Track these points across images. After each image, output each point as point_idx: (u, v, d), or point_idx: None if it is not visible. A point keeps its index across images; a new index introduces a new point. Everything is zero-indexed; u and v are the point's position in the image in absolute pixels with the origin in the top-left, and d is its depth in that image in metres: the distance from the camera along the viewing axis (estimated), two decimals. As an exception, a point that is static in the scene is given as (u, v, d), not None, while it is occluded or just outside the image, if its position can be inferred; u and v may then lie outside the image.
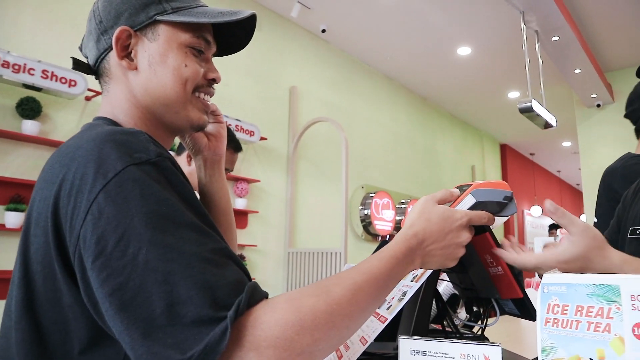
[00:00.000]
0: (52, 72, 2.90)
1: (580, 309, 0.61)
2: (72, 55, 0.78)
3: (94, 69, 0.78)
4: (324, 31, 5.04)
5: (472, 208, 0.87)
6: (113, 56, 0.73)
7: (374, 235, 5.66)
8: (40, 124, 2.94)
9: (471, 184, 0.86)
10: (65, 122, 3.13)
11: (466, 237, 0.75)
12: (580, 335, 0.60)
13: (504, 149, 9.51)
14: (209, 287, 0.51)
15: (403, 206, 6.35)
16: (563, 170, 11.88)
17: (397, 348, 0.80)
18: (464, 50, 5.54)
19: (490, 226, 1.40)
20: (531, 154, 10.44)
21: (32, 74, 2.81)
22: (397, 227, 5.88)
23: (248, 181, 4.23)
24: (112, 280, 0.51)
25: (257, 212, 4.30)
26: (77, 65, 0.78)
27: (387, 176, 6.15)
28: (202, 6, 0.79)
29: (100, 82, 0.78)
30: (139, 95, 0.74)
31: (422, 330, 1.06)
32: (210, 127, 0.99)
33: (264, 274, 4.33)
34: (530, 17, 4.02)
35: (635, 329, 0.55)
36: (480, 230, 1.02)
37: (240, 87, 4.39)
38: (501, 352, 0.70)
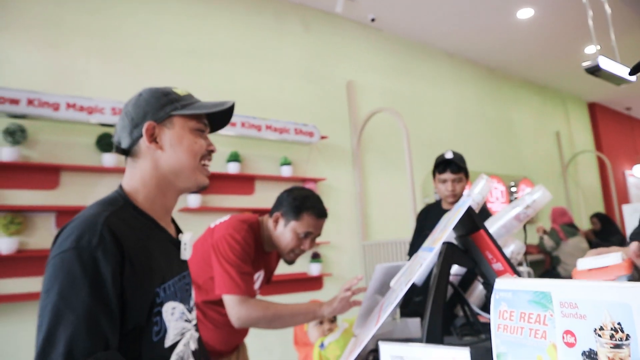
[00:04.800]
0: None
1: (523, 315, 0.61)
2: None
3: (126, 151, 1.05)
4: (373, 20, 5.00)
5: None
6: (143, 141, 1.03)
7: (452, 218, 5.55)
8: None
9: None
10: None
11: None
12: (524, 341, 0.60)
13: (593, 109, 8.75)
14: None
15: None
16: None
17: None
18: (526, 13, 5.20)
19: (527, 216, 1.37)
20: (627, 109, 9.50)
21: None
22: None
23: (315, 181, 4.33)
24: None
25: (327, 209, 4.39)
26: (117, 150, 1.08)
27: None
28: (198, 101, 1.10)
29: (127, 159, 1.07)
30: (162, 167, 1.04)
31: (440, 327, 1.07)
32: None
33: (340, 268, 4.42)
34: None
35: (565, 336, 0.54)
36: (475, 228, 1.02)
37: (296, 90, 4.50)
38: (469, 354, 0.72)
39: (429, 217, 2.68)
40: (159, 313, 0.96)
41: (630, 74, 0.92)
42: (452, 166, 2.46)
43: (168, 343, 0.97)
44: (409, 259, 2.59)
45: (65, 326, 0.79)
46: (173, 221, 1.16)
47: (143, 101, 1.05)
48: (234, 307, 1.59)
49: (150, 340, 0.93)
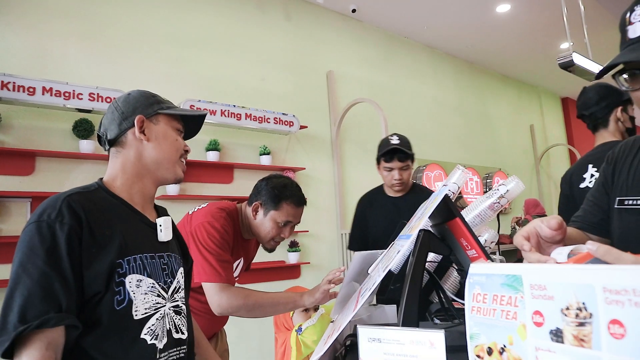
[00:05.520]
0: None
1: (495, 297, 0.64)
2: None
3: (110, 141, 1.17)
4: (354, 11, 5.00)
5: None
6: (131, 132, 1.15)
7: (428, 209, 5.66)
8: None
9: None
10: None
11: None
12: (496, 322, 0.63)
13: (566, 103, 8.95)
14: None
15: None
16: (637, 117, 10.97)
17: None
18: (504, 7, 5.28)
19: (500, 206, 1.41)
20: (599, 104, 9.75)
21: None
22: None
23: (294, 170, 4.35)
24: None
25: (306, 198, 4.41)
26: (101, 141, 1.20)
27: (439, 148, 6.03)
28: (177, 107, 1.26)
29: (110, 150, 1.18)
30: (145, 157, 1.16)
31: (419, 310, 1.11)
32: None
33: (318, 257, 4.46)
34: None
35: (534, 316, 0.58)
36: (451, 216, 1.05)
37: (277, 79, 4.49)
38: (444, 336, 0.75)
39: (372, 207, 2.51)
40: (122, 283, 1.01)
41: (597, 78, 0.96)
42: (399, 154, 2.29)
43: (138, 315, 1.03)
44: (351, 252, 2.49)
45: (21, 291, 0.88)
46: (157, 209, 1.26)
47: (133, 99, 1.18)
48: (215, 295, 1.60)
49: (112, 308, 0.99)
